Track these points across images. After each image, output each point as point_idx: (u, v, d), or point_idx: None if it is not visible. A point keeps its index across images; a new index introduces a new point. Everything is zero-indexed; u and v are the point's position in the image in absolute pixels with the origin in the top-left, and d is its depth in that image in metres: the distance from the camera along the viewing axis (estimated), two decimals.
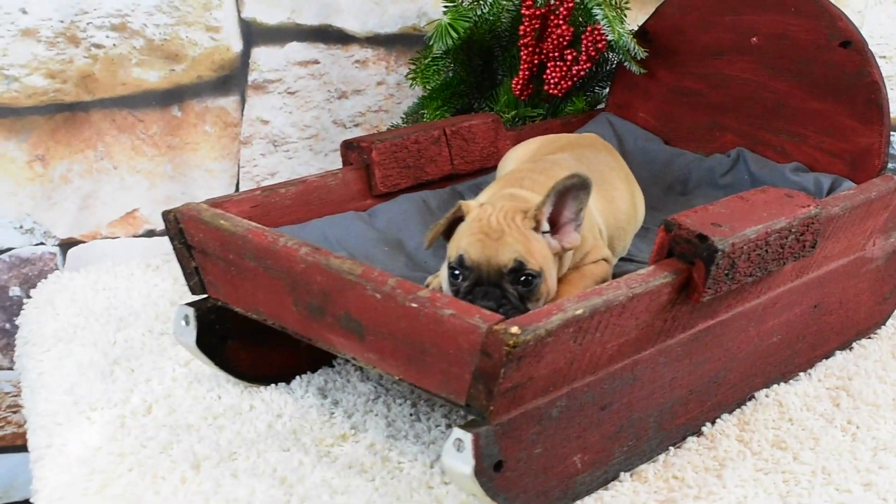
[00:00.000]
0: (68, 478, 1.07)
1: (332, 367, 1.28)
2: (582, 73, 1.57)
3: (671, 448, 1.12)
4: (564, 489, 1.01)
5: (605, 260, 1.20)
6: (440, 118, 1.58)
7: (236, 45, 1.69)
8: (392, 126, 1.75)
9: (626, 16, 1.55)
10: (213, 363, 1.21)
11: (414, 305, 0.94)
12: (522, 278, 1.07)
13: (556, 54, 1.56)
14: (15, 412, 1.77)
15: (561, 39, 1.54)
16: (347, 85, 1.77)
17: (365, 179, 1.36)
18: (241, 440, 1.13)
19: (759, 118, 1.50)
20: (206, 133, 1.71)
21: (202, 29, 1.67)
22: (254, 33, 1.70)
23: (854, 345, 1.35)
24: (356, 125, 1.80)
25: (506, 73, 1.64)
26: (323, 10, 1.72)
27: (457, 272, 1.08)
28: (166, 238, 1.72)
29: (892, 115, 1.39)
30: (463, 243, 1.09)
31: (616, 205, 1.29)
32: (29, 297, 1.57)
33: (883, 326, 1.41)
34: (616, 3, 1.53)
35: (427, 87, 1.61)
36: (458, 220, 1.13)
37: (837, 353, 1.33)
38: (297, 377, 1.25)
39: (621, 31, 1.50)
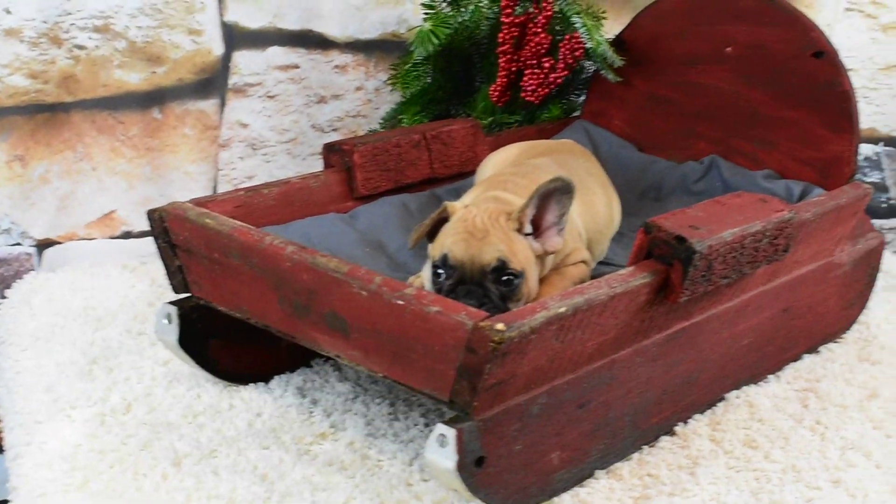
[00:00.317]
0: (49, 474, 1.08)
1: (311, 367, 1.29)
2: (559, 80, 1.59)
3: (645, 447, 1.14)
4: (543, 486, 1.03)
5: (585, 262, 1.22)
6: (419, 123, 1.60)
7: (218, 49, 1.70)
8: (370, 131, 1.76)
9: (602, 25, 1.57)
10: (194, 362, 1.22)
11: (400, 303, 0.95)
12: (504, 278, 1.09)
13: (534, 62, 1.57)
14: None
15: (539, 47, 1.56)
16: (326, 90, 1.78)
17: (346, 182, 1.37)
18: (221, 438, 1.14)
19: (733, 126, 1.51)
20: (185, 135, 1.71)
21: (184, 32, 1.67)
22: (235, 37, 1.70)
23: (821, 348, 1.38)
24: (334, 129, 1.80)
25: (484, 79, 1.65)
26: (304, 15, 1.72)
27: (440, 271, 1.10)
28: (143, 240, 1.74)
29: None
30: (447, 242, 1.10)
31: (595, 209, 1.31)
32: (4, 297, 1.56)
33: (848, 331, 1.43)
34: (594, 12, 1.56)
35: (407, 92, 1.63)
36: (442, 220, 1.14)
37: (805, 356, 1.35)
38: (276, 377, 1.26)
39: (599, 38, 1.52)
